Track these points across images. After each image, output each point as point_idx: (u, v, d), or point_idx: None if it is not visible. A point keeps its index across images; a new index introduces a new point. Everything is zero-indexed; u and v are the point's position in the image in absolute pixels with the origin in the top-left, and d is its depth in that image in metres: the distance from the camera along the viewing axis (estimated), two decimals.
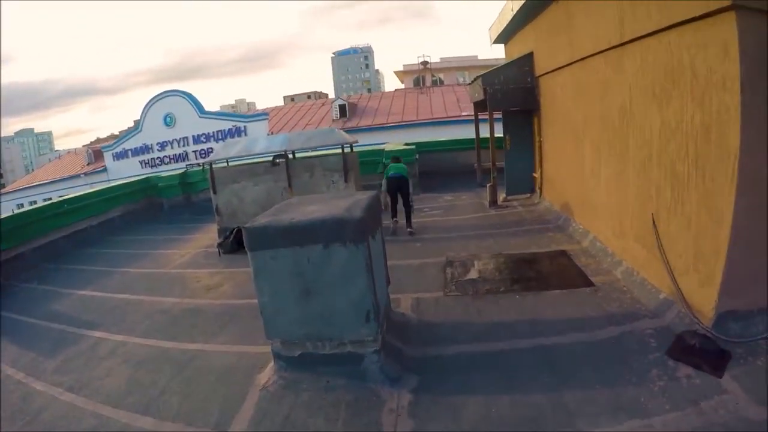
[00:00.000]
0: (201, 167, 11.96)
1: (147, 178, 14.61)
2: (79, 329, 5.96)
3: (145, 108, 34.80)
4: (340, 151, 8.75)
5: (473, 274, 6.14)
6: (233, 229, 8.56)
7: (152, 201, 14.12)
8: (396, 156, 9.98)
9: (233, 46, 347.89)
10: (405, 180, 8.84)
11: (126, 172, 33.03)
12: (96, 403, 4.18)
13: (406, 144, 14.14)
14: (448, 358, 4.15)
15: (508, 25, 9.91)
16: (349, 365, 3.95)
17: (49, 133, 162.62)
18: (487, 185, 10.18)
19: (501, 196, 10.32)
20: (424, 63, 45.37)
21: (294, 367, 4.08)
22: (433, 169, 13.77)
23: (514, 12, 9.05)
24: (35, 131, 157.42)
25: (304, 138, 9.28)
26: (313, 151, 10.33)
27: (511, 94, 9.57)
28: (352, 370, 3.93)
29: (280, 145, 8.65)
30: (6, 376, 5.06)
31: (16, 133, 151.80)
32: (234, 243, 8.40)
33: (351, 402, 3.62)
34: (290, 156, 9.05)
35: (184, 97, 33.68)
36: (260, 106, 73.33)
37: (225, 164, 9.38)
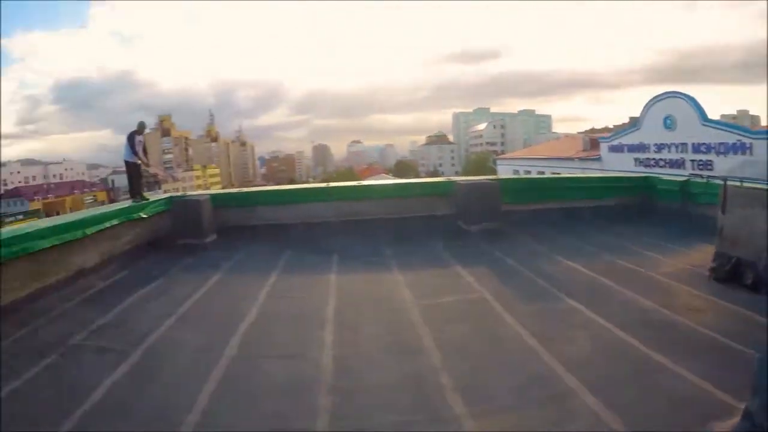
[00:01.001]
0: (705, 180, 11.17)
1: (647, 177, 14.60)
2: (559, 293, 6.58)
3: (645, 106, 34.44)
4: None
5: None
6: (733, 258, 7.72)
7: (646, 200, 14.00)
8: None
9: (734, 48, 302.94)
10: None
11: (618, 165, 33.89)
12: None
13: None
14: None
15: None
16: None
17: (548, 117, 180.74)
18: None
19: None
20: None
21: None
22: None
23: None
24: (536, 113, 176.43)
25: None
26: None
27: None
28: None
29: None
30: (483, 299, 6.27)
31: (519, 111, 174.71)
32: (730, 273, 7.60)
33: None
34: None
35: (687, 101, 31.41)
36: (766, 122, 61.97)
37: (739, 184, 8.48)
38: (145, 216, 9.98)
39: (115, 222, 9.00)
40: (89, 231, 8.14)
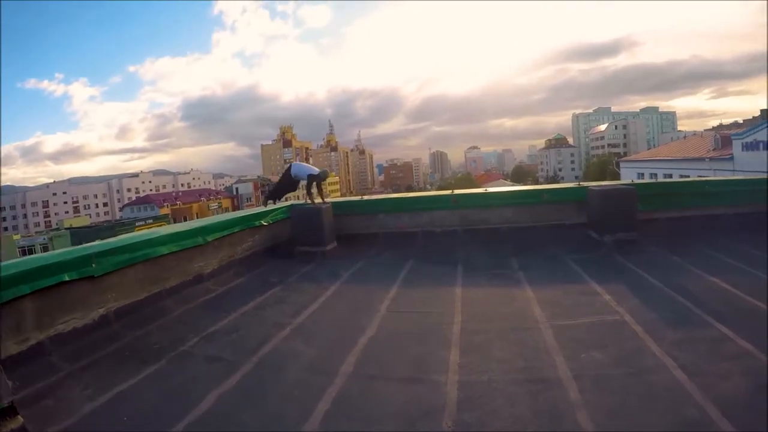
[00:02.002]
0: None
1: None
2: (706, 316, 5.61)
3: None
4: None
5: None
6: None
7: None
8: None
9: None
10: None
11: (755, 165, 30.37)
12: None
13: None
14: None
15: None
16: None
17: (673, 114, 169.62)
18: None
19: None
20: None
21: None
22: None
23: None
24: (659, 110, 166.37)
25: None
26: None
27: None
28: None
29: None
30: (623, 322, 5.55)
31: (641, 110, 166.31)
32: None
33: None
34: None
35: None
36: None
37: None
38: (265, 223, 10.16)
39: (236, 230, 9.20)
40: (210, 238, 8.36)
